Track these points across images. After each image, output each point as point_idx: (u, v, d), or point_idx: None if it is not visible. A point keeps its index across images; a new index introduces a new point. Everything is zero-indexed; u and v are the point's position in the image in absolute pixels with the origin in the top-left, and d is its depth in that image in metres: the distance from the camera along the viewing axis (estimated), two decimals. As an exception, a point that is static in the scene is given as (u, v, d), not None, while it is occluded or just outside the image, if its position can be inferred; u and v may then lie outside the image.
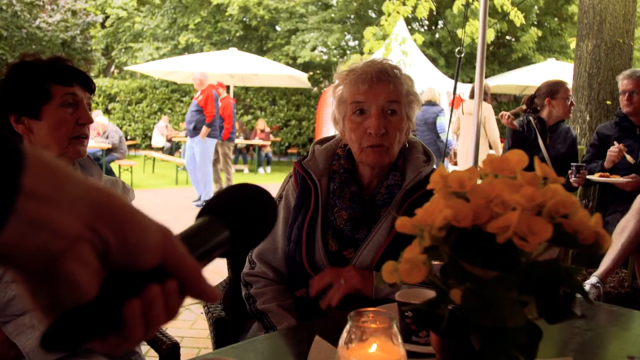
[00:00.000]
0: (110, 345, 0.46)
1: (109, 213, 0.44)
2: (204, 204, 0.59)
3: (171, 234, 0.49)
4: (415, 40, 10.77)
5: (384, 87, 1.57)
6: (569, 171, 3.77)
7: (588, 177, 3.83)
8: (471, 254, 0.67)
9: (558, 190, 0.68)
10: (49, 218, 0.39)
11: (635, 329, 1.32)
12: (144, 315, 0.46)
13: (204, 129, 8.07)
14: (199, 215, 0.58)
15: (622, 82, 3.98)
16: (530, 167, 0.73)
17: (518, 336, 0.67)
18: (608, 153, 3.87)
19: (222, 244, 0.56)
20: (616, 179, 3.73)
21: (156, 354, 1.58)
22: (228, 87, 15.39)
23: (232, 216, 0.58)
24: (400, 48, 9.41)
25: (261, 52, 18.39)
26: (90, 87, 1.62)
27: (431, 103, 8.02)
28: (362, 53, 10.41)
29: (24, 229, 0.38)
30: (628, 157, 3.80)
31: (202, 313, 3.77)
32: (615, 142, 3.89)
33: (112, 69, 21.11)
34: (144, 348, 1.90)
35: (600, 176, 3.80)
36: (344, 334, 0.88)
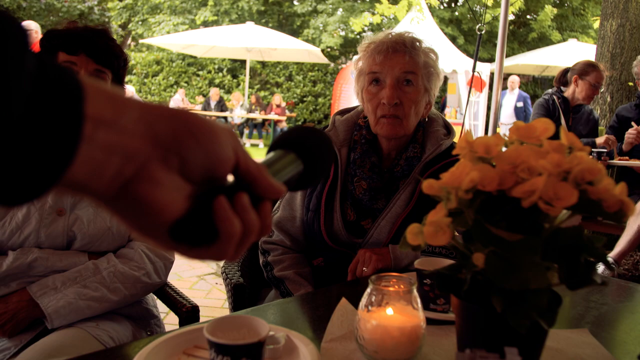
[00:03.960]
0: (214, 254, 0.48)
1: (176, 128, 0.44)
2: (276, 139, 0.62)
3: (235, 133, 0.50)
4: (430, 5, 10.73)
5: (399, 57, 1.56)
6: (590, 157, 3.71)
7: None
8: (496, 217, 0.67)
9: (584, 158, 0.69)
10: (118, 142, 0.40)
11: (651, 304, 1.33)
12: (237, 220, 0.47)
13: None
14: (271, 149, 0.61)
15: None
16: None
17: (540, 299, 0.68)
18: (626, 135, 3.82)
19: (297, 175, 0.59)
20: (635, 162, 3.69)
21: (176, 318, 1.62)
22: (244, 62, 15.36)
23: (306, 151, 0.60)
24: (416, 8, 9.39)
25: (280, 29, 18.23)
26: (98, 57, 1.53)
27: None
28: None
29: (97, 155, 0.39)
30: None
31: (217, 283, 3.83)
32: (633, 124, 3.83)
33: (129, 41, 21.08)
34: (162, 313, 1.94)
35: (619, 159, 3.77)
36: (365, 297, 0.90)
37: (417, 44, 1.60)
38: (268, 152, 0.60)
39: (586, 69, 3.95)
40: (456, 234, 0.75)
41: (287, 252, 1.67)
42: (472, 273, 0.75)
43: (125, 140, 0.41)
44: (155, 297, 1.72)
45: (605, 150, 3.73)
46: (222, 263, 1.89)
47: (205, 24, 18.25)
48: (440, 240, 0.70)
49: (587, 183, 0.68)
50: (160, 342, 0.89)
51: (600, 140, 3.84)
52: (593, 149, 3.73)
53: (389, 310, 0.89)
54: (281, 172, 0.57)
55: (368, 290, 0.90)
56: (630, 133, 3.80)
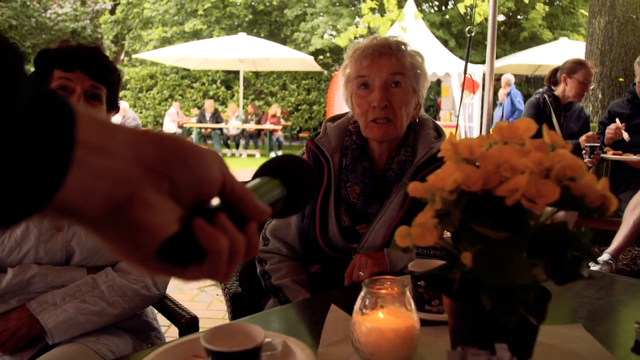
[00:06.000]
0: (204, 273, 0.49)
1: (164, 152, 0.46)
2: (260, 166, 0.64)
3: (221, 157, 0.52)
4: (418, 17, 10.73)
5: (386, 60, 1.59)
6: (583, 152, 3.75)
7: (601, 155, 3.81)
8: (481, 216, 0.69)
9: (565, 155, 0.71)
10: (108, 166, 0.42)
11: (645, 297, 1.34)
12: (223, 237, 0.48)
13: None
14: (255, 176, 0.63)
15: None
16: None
17: (527, 295, 0.69)
18: (607, 130, 3.86)
19: (279, 201, 0.61)
20: (629, 157, 3.72)
21: (177, 330, 1.63)
22: (238, 73, 15.43)
23: (289, 178, 0.63)
24: (399, 24, 9.41)
25: (272, 37, 18.32)
26: (93, 73, 1.53)
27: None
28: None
29: (87, 179, 0.40)
30: (625, 136, 3.80)
31: (217, 295, 3.83)
32: (617, 120, 3.86)
33: (122, 56, 21.15)
34: (164, 327, 1.95)
35: (613, 153, 3.79)
36: (359, 301, 0.92)
37: (403, 47, 1.63)
38: (253, 178, 0.63)
39: (574, 67, 4.00)
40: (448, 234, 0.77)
41: (283, 260, 1.68)
42: (461, 272, 0.77)
43: (115, 164, 0.42)
44: (155, 310, 1.73)
45: (598, 144, 3.76)
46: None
47: (196, 33, 18.32)
48: (428, 240, 0.72)
49: (569, 179, 0.70)
50: (158, 353, 0.90)
51: (582, 139, 3.88)
52: (587, 144, 3.75)
53: (383, 313, 0.90)
54: (265, 196, 0.59)
55: (362, 293, 0.91)
56: (610, 128, 3.84)
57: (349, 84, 1.67)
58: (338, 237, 1.61)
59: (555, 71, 4.20)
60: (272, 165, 0.64)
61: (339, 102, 12.93)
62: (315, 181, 0.70)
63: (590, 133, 3.88)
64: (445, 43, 15.59)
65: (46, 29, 17.89)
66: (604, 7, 4.91)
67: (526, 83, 18.70)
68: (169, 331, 3.01)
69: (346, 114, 1.79)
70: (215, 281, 0.52)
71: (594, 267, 3.30)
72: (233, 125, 13.95)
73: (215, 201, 0.51)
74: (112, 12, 20.04)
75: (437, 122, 1.77)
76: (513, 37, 18.70)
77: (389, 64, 1.58)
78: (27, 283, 1.45)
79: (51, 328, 1.40)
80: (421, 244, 0.71)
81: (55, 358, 1.36)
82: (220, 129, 14.04)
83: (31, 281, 1.45)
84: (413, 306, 0.91)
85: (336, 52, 18.22)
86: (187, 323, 1.56)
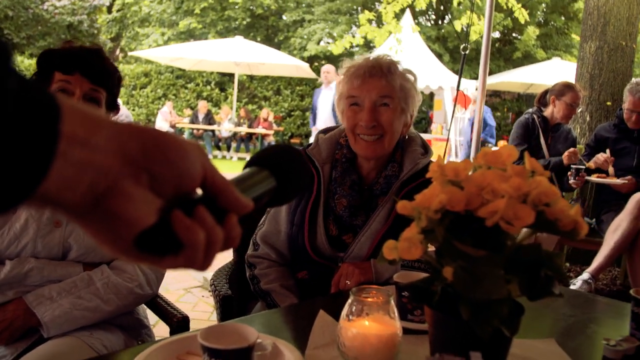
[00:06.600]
0: (181, 263, 0.51)
1: (146, 145, 0.47)
2: (252, 156, 0.65)
3: (203, 149, 0.53)
4: (416, 30, 10.78)
5: (376, 82, 1.65)
6: (569, 173, 3.83)
7: (586, 177, 3.90)
8: (463, 234, 0.75)
9: (542, 182, 0.77)
10: (90, 158, 0.43)
11: (615, 316, 1.41)
12: (200, 230, 0.49)
13: None
14: (247, 166, 0.64)
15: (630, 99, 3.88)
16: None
17: (502, 309, 0.75)
18: (596, 157, 3.94)
19: (269, 192, 0.62)
20: (612, 180, 3.81)
21: (165, 328, 1.68)
22: (232, 75, 15.48)
23: (279, 169, 0.63)
24: (395, 36, 9.48)
25: (268, 41, 18.39)
26: (93, 77, 1.55)
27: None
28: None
29: (70, 171, 0.42)
30: (610, 170, 3.89)
31: (203, 296, 3.86)
32: (608, 151, 3.94)
33: (118, 52, 21.12)
34: (154, 323, 1.98)
35: (597, 176, 3.88)
36: (346, 307, 0.97)
37: (393, 67, 1.69)
38: (244, 168, 0.64)
39: (563, 90, 4.10)
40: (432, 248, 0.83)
41: (272, 266, 1.74)
42: (442, 285, 0.83)
43: (97, 157, 0.43)
44: (146, 308, 1.78)
45: (583, 167, 3.84)
46: (209, 276, 1.95)
47: (190, 32, 18.33)
48: (413, 254, 0.78)
49: (544, 205, 0.76)
50: (155, 348, 0.95)
51: (564, 155, 3.96)
52: (572, 165, 3.83)
53: (368, 320, 0.96)
54: (253, 188, 0.59)
55: (349, 301, 0.97)
56: (598, 158, 3.90)
57: (340, 101, 1.74)
58: (326, 245, 1.67)
59: (545, 93, 4.30)
60: (263, 155, 0.64)
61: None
62: (307, 172, 0.70)
63: (572, 149, 3.95)
64: (439, 57, 15.74)
65: (42, 21, 17.82)
66: (595, 32, 5.03)
67: (517, 100, 18.91)
68: (157, 328, 3.04)
69: (338, 126, 1.85)
70: (193, 269, 0.55)
71: (573, 286, 3.38)
72: (225, 127, 13.98)
73: (198, 192, 0.52)
74: (110, 8, 20.03)
75: (428, 135, 1.83)
76: (507, 54, 18.92)
77: (378, 86, 1.65)
78: (24, 276, 1.49)
79: (47, 322, 1.45)
80: (407, 258, 0.77)
81: (50, 350, 1.40)
82: (213, 131, 14.06)
83: (28, 274, 1.50)
84: (396, 315, 0.97)
85: (331, 60, 18.33)
86: (178, 322, 1.61)
